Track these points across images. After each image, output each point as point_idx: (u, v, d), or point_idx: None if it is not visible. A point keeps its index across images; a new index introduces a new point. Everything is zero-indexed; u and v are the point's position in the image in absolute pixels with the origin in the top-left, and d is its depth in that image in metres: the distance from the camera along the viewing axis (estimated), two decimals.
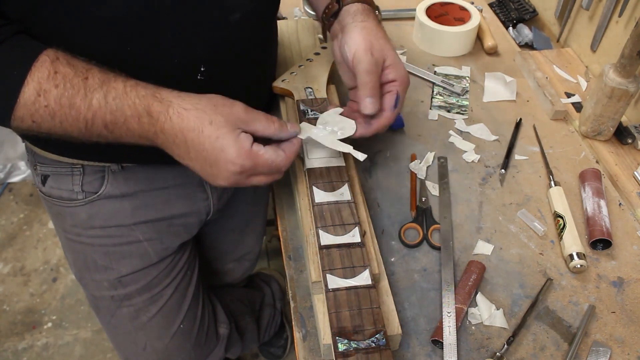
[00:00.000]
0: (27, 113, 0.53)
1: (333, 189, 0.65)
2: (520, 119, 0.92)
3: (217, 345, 1.04)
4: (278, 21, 0.99)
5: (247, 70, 0.73)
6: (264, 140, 0.60)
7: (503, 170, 0.83)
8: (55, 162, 0.74)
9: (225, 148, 0.56)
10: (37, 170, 0.77)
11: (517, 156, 0.86)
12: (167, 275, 0.88)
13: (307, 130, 0.66)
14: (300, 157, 0.71)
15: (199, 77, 0.65)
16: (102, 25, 0.57)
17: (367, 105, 0.65)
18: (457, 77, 1.01)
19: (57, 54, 0.54)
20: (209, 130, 0.55)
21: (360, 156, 0.65)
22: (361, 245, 0.60)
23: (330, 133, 0.67)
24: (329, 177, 0.67)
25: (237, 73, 0.70)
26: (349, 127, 0.67)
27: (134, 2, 0.56)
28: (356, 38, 0.66)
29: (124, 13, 0.57)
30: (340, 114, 0.70)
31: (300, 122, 0.68)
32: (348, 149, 0.66)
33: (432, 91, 0.99)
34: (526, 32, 1.12)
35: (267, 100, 0.86)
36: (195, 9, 0.60)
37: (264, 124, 0.59)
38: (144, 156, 0.61)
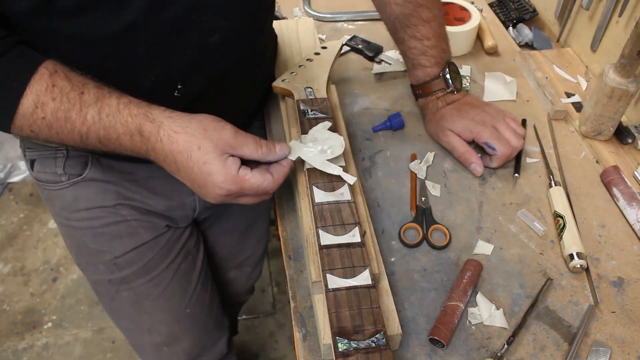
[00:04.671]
0: (25, 123, 0.55)
1: (333, 188, 0.65)
2: (525, 120, 0.92)
3: (224, 335, 1.05)
4: (278, 21, 0.99)
5: (230, 87, 0.74)
6: (256, 161, 0.62)
7: (517, 174, 0.82)
8: (41, 146, 0.77)
9: (213, 173, 0.58)
10: (27, 156, 0.80)
11: (528, 159, 0.86)
12: (165, 256, 0.88)
13: (297, 151, 0.66)
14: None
15: (176, 94, 0.67)
16: (83, 43, 0.59)
17: (478, 170, 0.82)
18: None
19: (55, 67, 0.56)
20: (197, 155, 0.57)
21: (350, 179, 0.66)
22: (361, 245, 0.60)
23: (320, 152, 0.67)
24: (329, 177, 0.67)
25: (217, 90, 0.72)
26: (338, 145, 0.67)
27: (114, 23, 0.58)
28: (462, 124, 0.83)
29: (103, 33, 0.59)
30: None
31: (290, 140, 0.68)
32: (338, 171, 0.66)
33: None
34: (526, 32, 1.12)
35: (253, 111, 0.87)
36: (172, 31, 0.62)
37: (251, 148, 0.60)
38: (125, 155, 0.63)
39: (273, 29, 0.83)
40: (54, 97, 0.54)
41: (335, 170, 0.66)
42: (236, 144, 0.59)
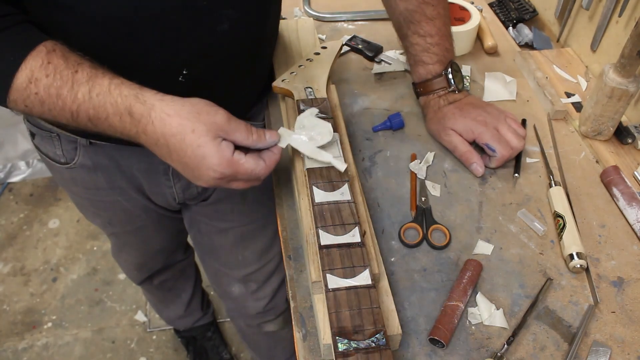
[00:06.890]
0: (19, 97, 0.57)
1: (333, 188, 0.65)
2: (525, 120, 0.92)
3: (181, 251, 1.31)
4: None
5: (233, 77, 0.75)
6: (245, 147, 0.62)
7: (517, 174, 0.83)
8: (39, 123, 0.81)
9: (207, 156, 0.58)
10: (27, 125, 0.85)
11: (528, 159, 0.86)
12: (155, 223, 1.02)
13: (287, 138, 0.66)
14: (300, 156, 0.71)
15: (180, 79, 0.68)
16: (91, 23, 0.60)
17: (479, 170, 0.82)
18: None
19: (55, 46, 0.57)
20: (190, 138, 0.57)
21: (341, 166, 0.66)
22: (361, 245, 0.60)
23: (309, 140, 0.67)
24: (329, 177, 0.67)
25: (221, 79, 0.72)
26: (327, 132, 0.67)
27: (124, 5, 0.59)
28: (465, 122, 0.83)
29: (112, 14, 0.60)
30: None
31: (279, 129, 0.68)
32: (328, 158, 0.66)
33: None
34: (526, 32, 1.12)
35: (253, 103, 0.88)
36: (182, 17, 0.63)
37: (243, 134, 0.61)
38: (107, 135, 0.64)
39: (270, 32, 0.84)
40: (47, 74, 0.56)
41: (325, 157, 0.66)
42: (229, 128, 0.59)
